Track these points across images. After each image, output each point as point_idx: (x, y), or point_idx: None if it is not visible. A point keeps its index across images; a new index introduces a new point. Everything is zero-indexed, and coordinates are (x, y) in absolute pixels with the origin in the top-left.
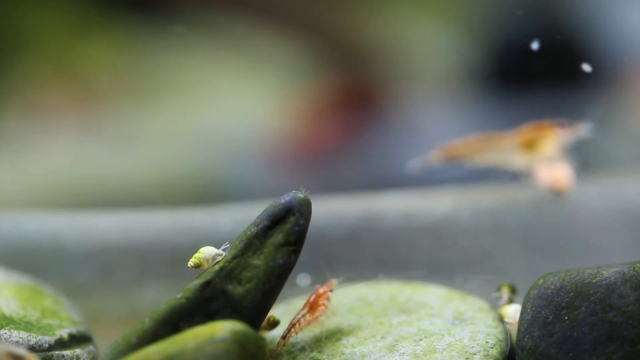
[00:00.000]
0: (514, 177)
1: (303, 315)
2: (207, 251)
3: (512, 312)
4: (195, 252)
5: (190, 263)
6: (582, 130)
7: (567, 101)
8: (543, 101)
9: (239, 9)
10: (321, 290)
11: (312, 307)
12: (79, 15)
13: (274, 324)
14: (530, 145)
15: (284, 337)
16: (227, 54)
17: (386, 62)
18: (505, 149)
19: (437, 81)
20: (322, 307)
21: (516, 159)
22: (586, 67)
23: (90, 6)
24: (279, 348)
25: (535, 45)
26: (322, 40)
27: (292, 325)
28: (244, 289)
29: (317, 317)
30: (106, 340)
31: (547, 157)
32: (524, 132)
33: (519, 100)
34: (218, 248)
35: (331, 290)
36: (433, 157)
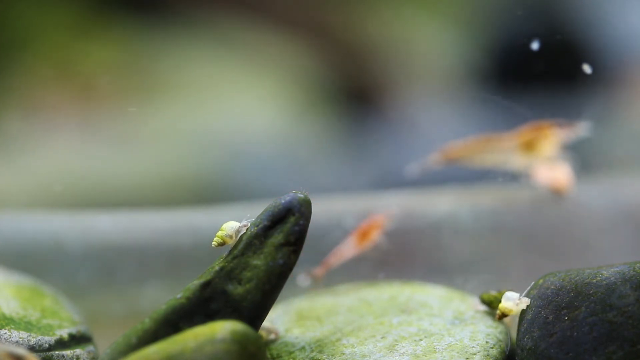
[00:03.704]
0: (514, 177)
1: (350, 243)
2: (229, 227)
3: (509, 299)
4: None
5: (214, 243)
6: (581, 129)
7: (567, 101)
8: (543, 101)
9: (239, 9)
10: (376, 219)
11: (362, 235)
12: (79, 15)
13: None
14: (529, 146)
15: (325, 264)
16: (228, 54)
17: (386, 62)
18: (504, 150)
19: (437, 81)
20: (372, 239)
21: (516, 160)
22: (586, 68)
23: (90, 6)
24: (320, 273)
25: (535, 45)
26: (323, 40)
27: (336, 252)
28: (244, 289)
29: (364, 248)
30: (106, 340)
31: (546, 158)
32: (523, 133)
33: (519, 100)
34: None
35: (385, 222)
36: (433, 160)
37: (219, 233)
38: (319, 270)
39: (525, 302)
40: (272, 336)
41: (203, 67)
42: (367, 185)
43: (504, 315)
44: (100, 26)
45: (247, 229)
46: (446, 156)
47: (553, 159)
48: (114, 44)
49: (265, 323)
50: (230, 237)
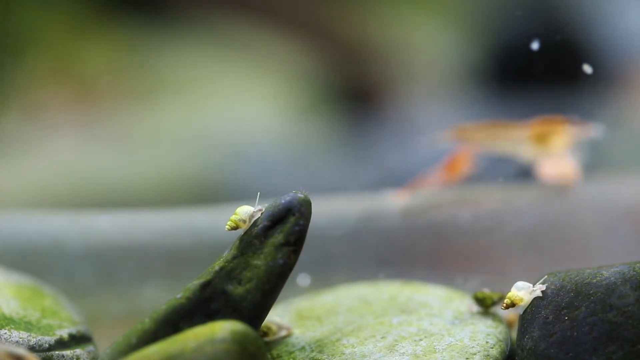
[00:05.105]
0: (522, 169)
1: (438, 173)
2: (243, 211)
3: (520, 289)
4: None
5: (227, 227)
6: (593, 130)
7: (567, 101)
8: (543, 101)
9: (240, 9)
10: (464, 151)
11: (451, 167)
12: (79, 15)
13: (264, 334)
14: (540, 139)
15: (410, 186)
16: (228, 54)
17: (386, 62)
18: (515, 140)
19: (437, 81)
20: (461, 171)
21: (525, 151)
22: (587, 69)
23: (90, 6)
24: (402, 194)
25: (535, 45)
26: (323, 40)
27: (423, 178)
28: (244, 289)
29: (453, 178)
30: (106, 340)
31: (555, 153)
32: (536, 125)
33: (518, 100)
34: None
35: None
36: (444, 136)
37: (233, 217)
38: (402, 192)
39: (540, 288)
40: (282, 332)
41: (203, 67)
42: (368, 185)
43: (512, 304)
44: (100, 26)
45: (262, 213)
46: (458, 135)
47: (561, 155)
48: (113, 44)
49: (276, 319)
50: (244, 221)
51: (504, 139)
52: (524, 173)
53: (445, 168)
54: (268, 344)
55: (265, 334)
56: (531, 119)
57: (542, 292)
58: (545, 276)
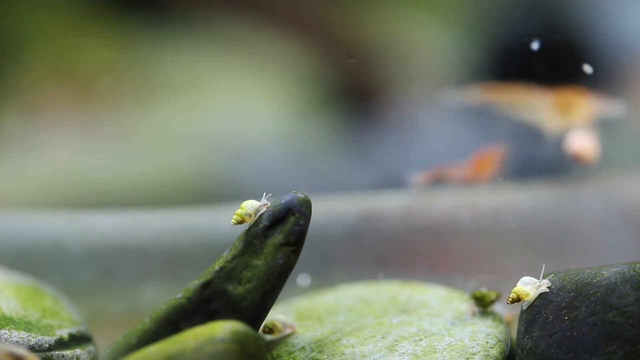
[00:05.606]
0: (541, 138)
1: (464, 169)
2: (249, 205)
3: (526, 283)
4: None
5: (233, 221)
6: (617, 107)
7: None
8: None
9: (239, 9)
10: (492, 151)
11: (477, 166)
12: (78, 14)
13: (270, 331)
14: (563, 108)
15: (432, 174)
16: (228, 54)
17: (386, 62)
18: (538, 107)
19: (437, 81)
20: (487, 173)
21: (547, 120)
22: (587, 69)
23: (90, 5)
24: (422, 179)
25: (535, 45)
26: (323, 40)
27: (448, 169)
28: (244, 289)
29: (476, 178)
30: (106, 340)
31: (577, 125)
32: (561, 92)
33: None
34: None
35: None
36: (471, 95)
37: (238, 211)
38: (423, 177)
39: (545, 284)
40: (287, 330)
41: (203, 66)
42: (369, 185)
43: (517, 299)
44: (99, 25)
45: (267, 207)
46: (484, 93)
47: (583, 129)
48: (113, 44)
49: (281, 317)
50: (250, 215)
51: (528, 104)
52: (548, 169)
53: (473, 166)
54: (269, 343)
55: (271, 330)
56: (556, 87)
57: (548, 287)
58: (544, 267)
